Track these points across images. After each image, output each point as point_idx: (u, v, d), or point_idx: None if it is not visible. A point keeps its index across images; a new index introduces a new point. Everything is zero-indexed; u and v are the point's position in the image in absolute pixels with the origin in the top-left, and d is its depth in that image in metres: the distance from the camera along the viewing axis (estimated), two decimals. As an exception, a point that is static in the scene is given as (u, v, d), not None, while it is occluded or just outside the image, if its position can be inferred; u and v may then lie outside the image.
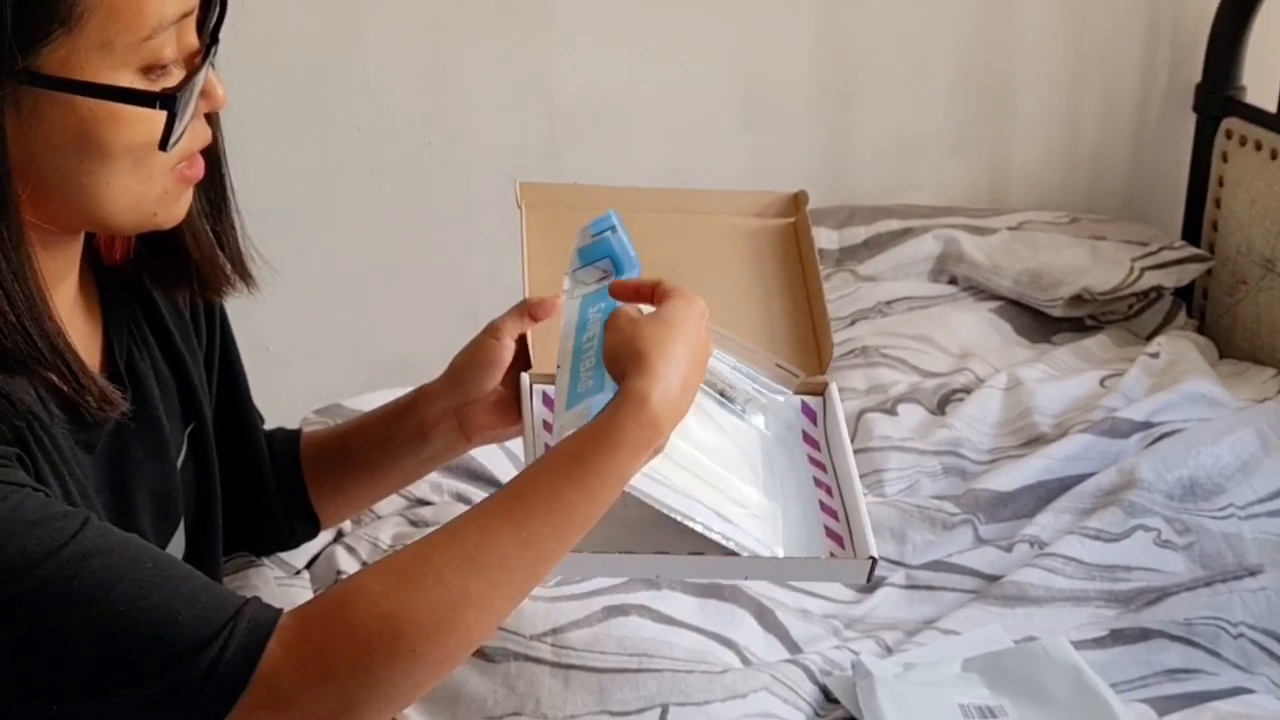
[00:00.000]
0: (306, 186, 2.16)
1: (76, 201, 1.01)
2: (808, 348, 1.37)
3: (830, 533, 1.23)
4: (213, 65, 1.05)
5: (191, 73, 1.02)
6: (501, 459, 1.71)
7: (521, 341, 1.34)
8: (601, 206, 1.43)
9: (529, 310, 1.33)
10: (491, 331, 1.34)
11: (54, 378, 1.02)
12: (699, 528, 1.17)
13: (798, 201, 1.47)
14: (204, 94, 1.05)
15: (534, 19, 2.23)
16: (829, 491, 1.27)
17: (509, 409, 1.33)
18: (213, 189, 1.15)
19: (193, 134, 1.05)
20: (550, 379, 1.29)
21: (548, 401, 1.31)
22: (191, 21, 1.03)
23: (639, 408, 1.09)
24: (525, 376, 1.33)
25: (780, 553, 1.20)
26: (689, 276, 1.35)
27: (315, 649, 0.98)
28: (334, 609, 0.99)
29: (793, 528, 1.23)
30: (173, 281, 1.18)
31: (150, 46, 0.99)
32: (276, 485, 1.38)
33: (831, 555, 1.21)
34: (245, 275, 1.20)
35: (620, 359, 1.12)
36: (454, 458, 1.43)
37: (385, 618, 0.98)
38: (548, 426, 1.29)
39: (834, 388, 1.33)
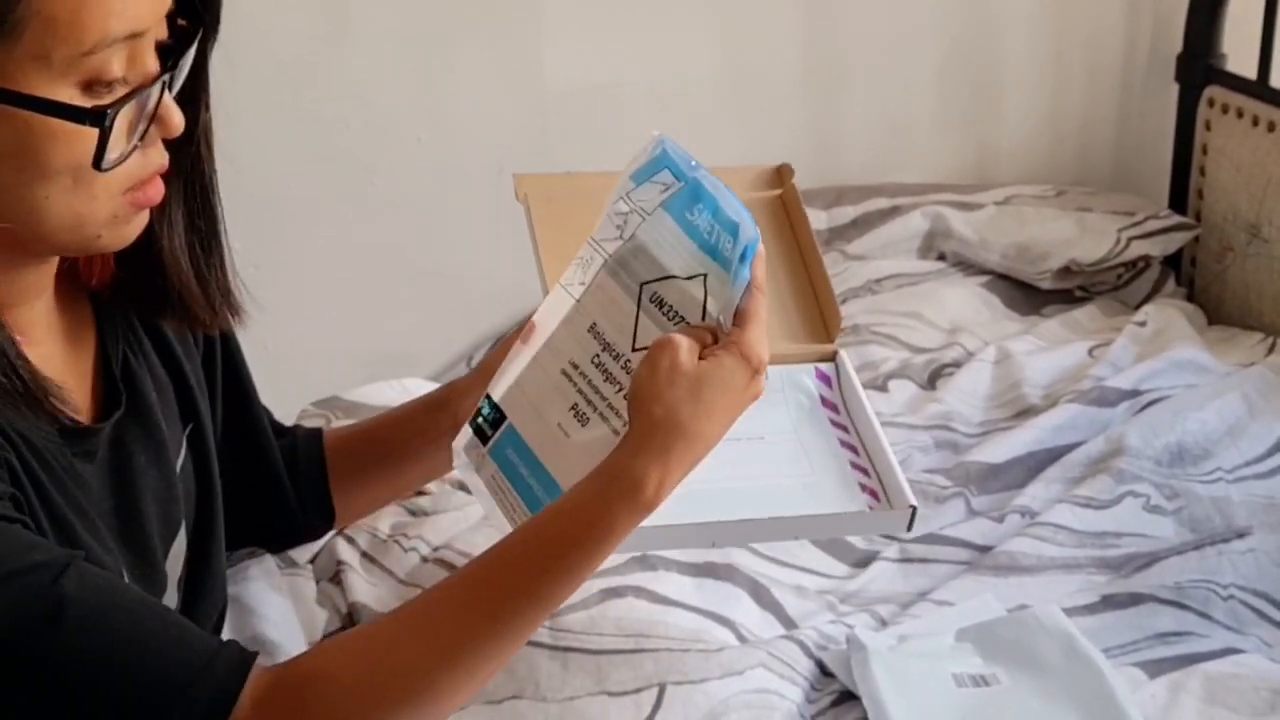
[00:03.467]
0: (297, 184, 2.17)
1: (14, 216, 1.00)
2: (813, 318, 1.40)
3: (865, 488, 1.27)
4: (169, 89, 1.04)
5: (129, 93, 1.01)
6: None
7: None
8: (596, 192, 1.46)
9: None
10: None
11: (5, 382, 1.01)
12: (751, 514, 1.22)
13: (781, 175, 1.49)
14: (158, 119, 1.03)
15: (521, 11, 2.25)
16: (855, 451, 1.30)
17: None
18: (203, 219, 1.15)
19: (144, 158, 1.04)
20: None
21: None
22: (148, 43, 1.02)
23: (634, 493, 1.04)
24: None
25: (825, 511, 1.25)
26: None
27: None
28: (303, 693, 1.00)
29: (830, 490, 1.27)
30: (154, 311, 1.18)
31: (91, 62, 0.97)
32: (297, 482, 1.40)
33: (870, 509, 1.25)
34: (234, 309, 1.20)
35: (642, 408, 1.07)
36: None
37: (351, 714, 1.00)
38: None
39: (844, 354, 1.36)
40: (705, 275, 1.10)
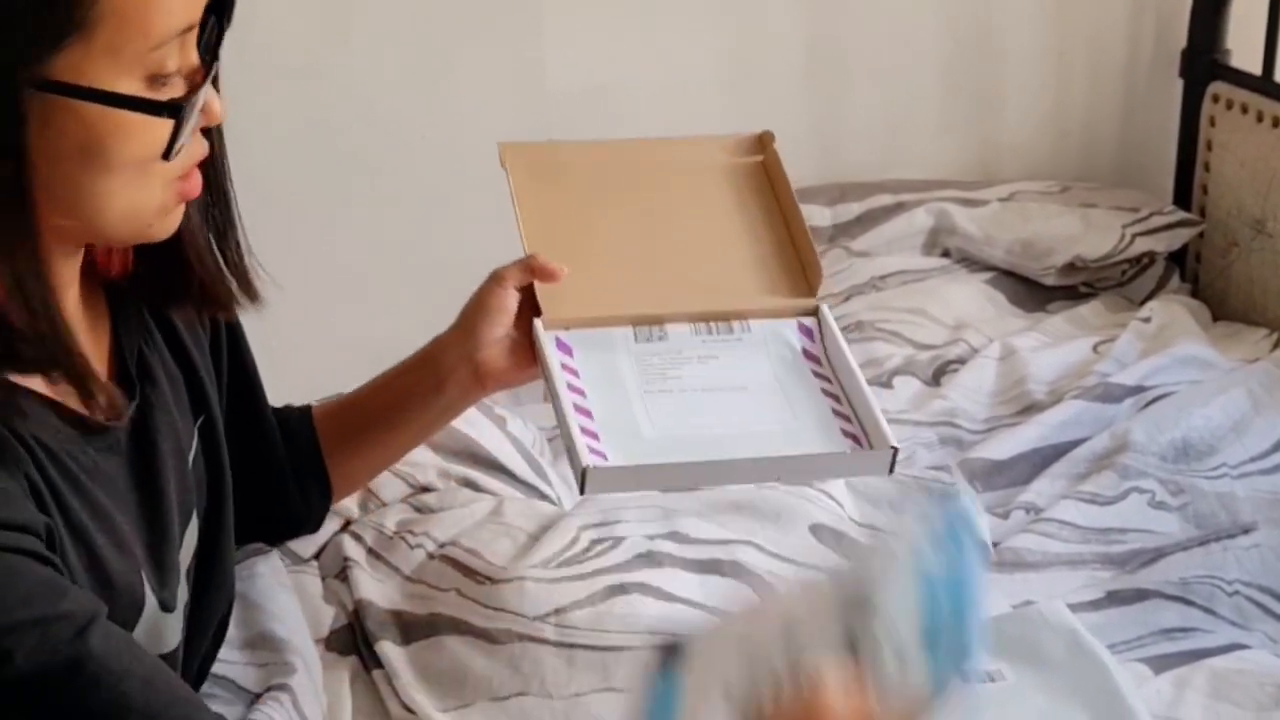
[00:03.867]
0: (301, 183, 2.17)
1: (77, 210, 1.01)
2: (795, 274, 1.42)
3: (847, 433, 1.29)
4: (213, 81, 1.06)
5: (198, 84, 1.03)
6: (503, 441, 1.73)
7: (528, 290, 1.37)
8: (580, 161, 1.50)
9: (535, 271, 1.37)
10: (496, 280, 1.38)
11: (64, 379, 1.03)
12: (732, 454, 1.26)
13: (763, 141, 1.52)
14: (202, 109, 1.05)
15: (523, 8, 2.25)
16: (837, 399, 1.33)
17: (522, 355, 1.37)
18: (218, 207, 1.16)
19: (192, 148, 1.06)
20: (563, 325, 1.36)
21: (562, 346, 1.36)
22: (194, 36, 1.04)
23: None
24: (538, 323, 1.37)
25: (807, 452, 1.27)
26: (674, 221, 1.44)
27: None
28: None
29: (812, 433, 1.30)
30: (175, 299, 1.19)
31: (156, 56, 0.99)
32: (291, 459, 1.41)
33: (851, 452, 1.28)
34: (251, 292, 1.21)
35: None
36: (469, 405, 1.46)
37: None
38: (566, 368, 1.35)
39: (825, 307, 1.39)
40: (901, 657, 1.00)
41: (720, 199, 1.48)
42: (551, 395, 1.33)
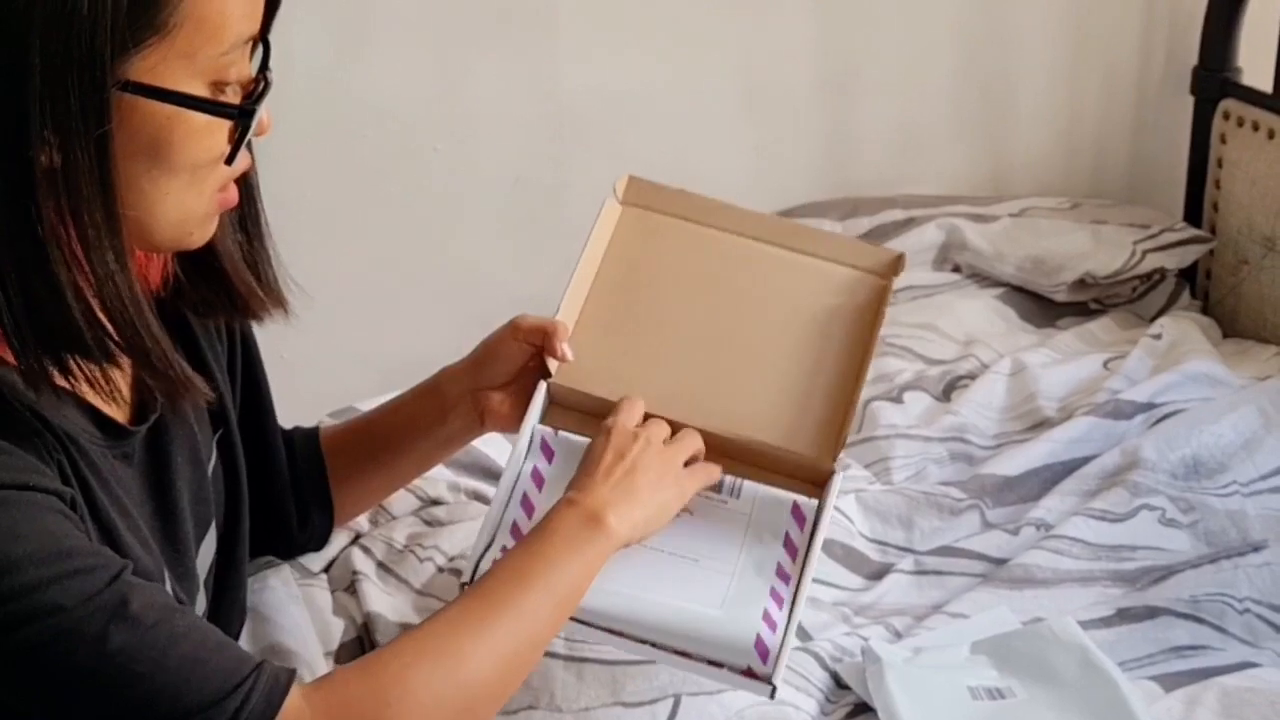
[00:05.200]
0: (314, 194, 2.18)
1: (132, 211, 1.02)
2: (829, 431, 1.35)
3: (760, 642, 1.24)
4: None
5: (252, 93, 1.05)
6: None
7: (542, 348, 1.36)
8: (703, 218, 1.45)
9: (547, 339, 1.35)
10: (512, 328, 1.38)
11: (151, 364, 1.05)
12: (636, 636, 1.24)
13: (896, 265, 1.43)
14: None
15: (537, 22, 2.25)
16: (779, 604, 1.27)
17: (519, 408, 1.36)
18: (249, 217, 1.18)
19: (242, 156, 1.08)
20: (554, 427, 1.33)
21: (545, 449, 1.33)
22: (250, 47, 1.06)
23: (569, 506, 1.19)
24: (543, 385, 1.35)
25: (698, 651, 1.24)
26: (740, 330, 1.39)
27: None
28: (330, 705, 1.05)
29: (722, 629, 1.24)
30: (211, 309, 1.21)
31: (224, 61, 1.02)
32: (296, 480, 1.42)
33: (748, 669, 1.23)
34: (281, 301, 1.22)
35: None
36: (470, 439, 1.46)
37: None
38: (535, 474, 1.31)
39: (839, 478, 1.33)
40: None
41: (803, 320, 1.40)
42: (509, 464, 1.30)
